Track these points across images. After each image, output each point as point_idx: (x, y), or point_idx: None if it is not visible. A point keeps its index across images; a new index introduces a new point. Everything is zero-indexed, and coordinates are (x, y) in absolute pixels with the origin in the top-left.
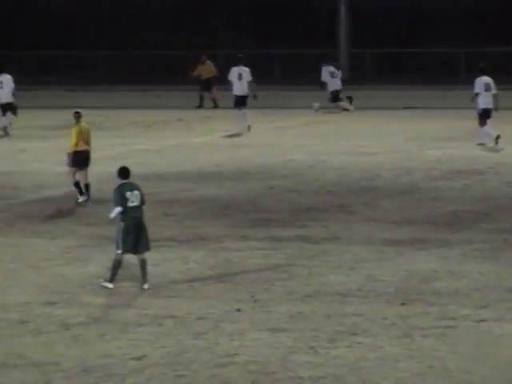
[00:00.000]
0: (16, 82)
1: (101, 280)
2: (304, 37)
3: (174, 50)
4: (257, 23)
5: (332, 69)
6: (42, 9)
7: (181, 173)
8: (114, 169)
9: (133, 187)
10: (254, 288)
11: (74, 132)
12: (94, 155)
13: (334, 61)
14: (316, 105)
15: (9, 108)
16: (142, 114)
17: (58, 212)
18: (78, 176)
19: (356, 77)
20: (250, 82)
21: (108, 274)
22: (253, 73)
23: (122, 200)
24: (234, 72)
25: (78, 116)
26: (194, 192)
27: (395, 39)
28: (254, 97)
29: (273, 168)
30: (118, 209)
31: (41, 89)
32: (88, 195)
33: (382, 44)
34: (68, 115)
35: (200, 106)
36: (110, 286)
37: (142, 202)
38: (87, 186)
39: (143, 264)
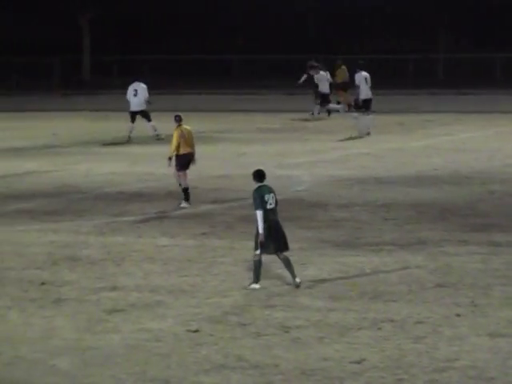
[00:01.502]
0: (236, 86)
1: (248, 286)
2: None
3: (397, 54)
4: (476, 26)
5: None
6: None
7: (400, 176)
8: (334, 172)
9: (270, 189)
10: (474, 292)
11: (175, 136)
12: (313, 159)
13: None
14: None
15: (142, 115)
16: None
17: None
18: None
19: None
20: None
21: (252, 276)
22: (473, 76)
23: (262, 203)
24: (361, 77)
25: (178, 119)
26: (412, 196)
27: None
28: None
29: (492, 172)
30: (260, 213)
31: (262, 93)
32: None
33: None
34: (285, 119)
35: (348, 110)
36: (257, 286)
37: (276, 203)
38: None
39: (287, 262)
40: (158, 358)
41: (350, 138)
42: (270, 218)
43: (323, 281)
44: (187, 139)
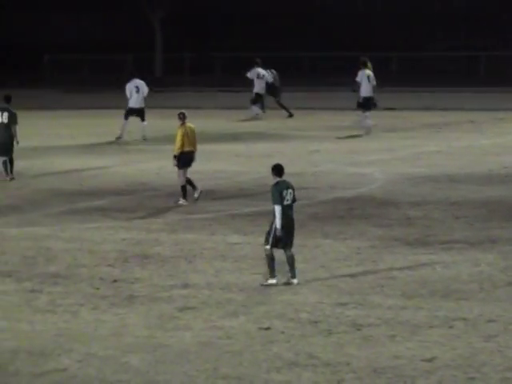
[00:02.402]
0: (308, 83)
1: (265, 282)
2: None
3: (468, 51)
4: None
5: (261, 70)
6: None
7: (470, 174)
8: (406, 170)
9: (288, 185)
10: None
11: (179, 133)
12: (385, 156)
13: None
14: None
15: (139, 114)
16: (433, 116)
17: (349, 211)
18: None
19: None
20: (374, 86)
21: (268, 272)
22: None
23: (280, 198)
24: (363, 75)
25: (183, 117)
26: (483, 194)
27: None
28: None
29: None
30: (279, 208)
31: (334, 90)
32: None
33: None
34: (352, 116)
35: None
36: (274, 281)
37: (294, 200)
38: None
39: (292, 260)
40: (229, 356)
41: (421, 136)
42: (287, 214)
43: (394, 279)
44: (190, 137)
